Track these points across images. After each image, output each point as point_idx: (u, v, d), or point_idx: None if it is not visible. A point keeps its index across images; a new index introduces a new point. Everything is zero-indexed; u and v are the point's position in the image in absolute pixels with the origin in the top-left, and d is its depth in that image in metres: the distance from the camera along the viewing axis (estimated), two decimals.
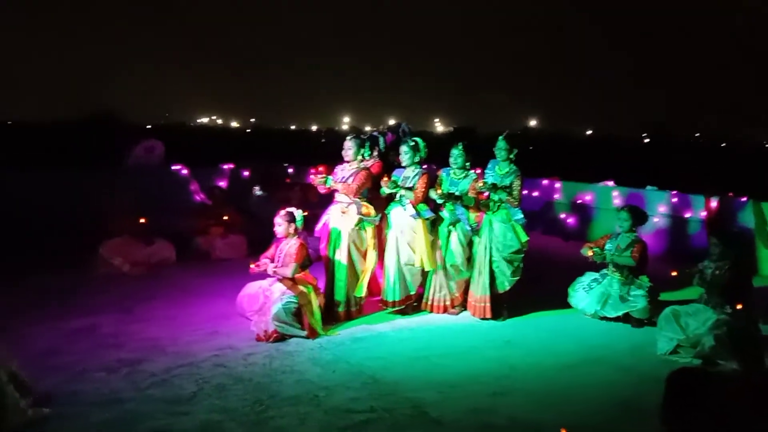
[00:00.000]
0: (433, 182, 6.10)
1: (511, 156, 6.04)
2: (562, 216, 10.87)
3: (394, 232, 6.08)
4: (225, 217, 8.47)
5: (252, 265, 5.64)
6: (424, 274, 6.19)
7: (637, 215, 6.21)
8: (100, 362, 4.73)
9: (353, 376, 4.64)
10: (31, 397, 3.85)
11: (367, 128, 6.57)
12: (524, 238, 5.96)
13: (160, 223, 7.95)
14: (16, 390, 3.70)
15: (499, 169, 6.05)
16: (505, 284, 6.00)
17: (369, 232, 6.02)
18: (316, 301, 5.57)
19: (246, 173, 11.58)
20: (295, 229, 5.69)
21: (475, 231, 6.04)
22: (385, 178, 5.99)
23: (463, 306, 6.22)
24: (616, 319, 6.01)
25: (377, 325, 5.87)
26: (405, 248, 6.04)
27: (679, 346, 5.15)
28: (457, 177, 6.12)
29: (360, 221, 5.91)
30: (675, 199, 9.38)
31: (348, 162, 6.12)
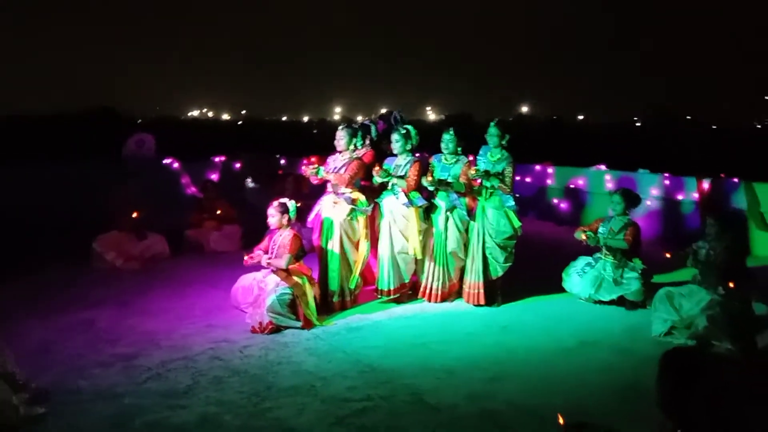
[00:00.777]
0: (425, 170, 6.08)
1: (503, 142, 6.03)
2: (555, 201, 10.88)
3: (387, 220, 6.07)
4: (218, 211, 8.45)
5: (246, 257, 5.63)
6: (418, 262, 6.19)
7: (630, 198, 6.22)
8: (96, 357, 4.72)
9: (350, 365, 4.64)
10: (26, 393, 3.83)
11: (359, 118, 6.51)
12: (517, 224, 5.96)
13: (153, 217, 7.92)
14: (10, 387, 3.68)
15: (491, 156, 6.03)
16: (498, 270, 6.00)
17: (361, 222, 6.01)
18: (311, 292, 5.56)
19: (238, 165, 11.54)
20: (289, 220, 5.67)
21: (470, 217, 6.04)
22: (377, 168, 5.97)
23: (459, 293, 6.22)
24: (611, 303, 6.04)
25: (373, 314, 5.87)
26: (398, 237, 6.04)
27: (674, 327, 5.17)
28: (448, 162, 6.11)
29: (351, 211, 5.90)
30: (667, 182, 9.40)
31: (340, 152, 6.09)
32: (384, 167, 5.98)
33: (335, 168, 6.01)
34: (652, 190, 9.42)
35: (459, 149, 6.11)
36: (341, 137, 6.07)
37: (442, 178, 6.02)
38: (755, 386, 2.54)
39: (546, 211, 10.88)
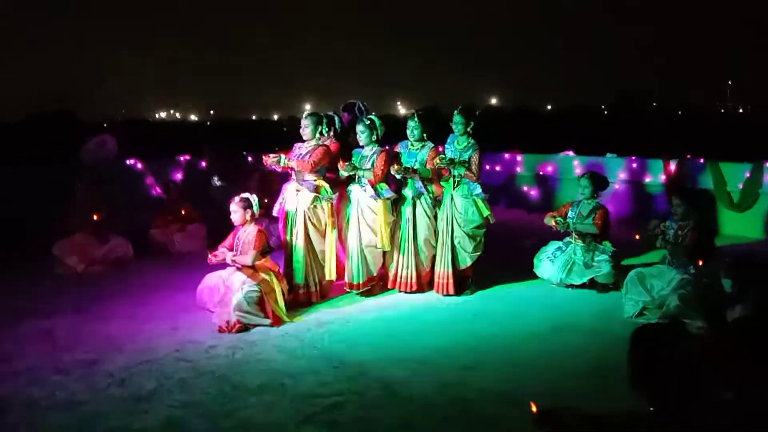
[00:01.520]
0: (392, 160, 5.99)
1: (469, 129, 5.95)
2: (525, 188, 10.89)
3: (356, 211, 5.96)
4: (182, 212, 8.25)
5: (210, 256, 5.48)
6: (386, 254, 6.09)
7: (598, 181, 6.21)
8: (55, 365, 4.52)
9: (320, 361, 4.53)
10: None
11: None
12: (486, 212, 5.89)
13: (115, 219, 7.70)
14: None
15: (458, 144, 5.96)
16: (466, 260, 5.93)
17: (326, 210, 5.88)
18: (279, 288, 5.43)
19: (203, 163, 11.33)
20: (252, 216, 5.53)
21: (437, 203, 5.97)
22: (342, 162, 5.86)
23: (430, 284, 6.13)
24: (582, 286, 6.02)
25: (343, 308, 5.77)
26: (366, 230, 5.94)
27: (645, 308, 5.18)
28: (414, 148, 6.02)
29: (315, 198, 5.77)
30: (635, 165, 9.46)
31: (306, 141, 5.97)
32: (350, 161, 5.87)
33: (299, 155, 5.88)
34: (619, 174, 9.47)
35: (425, 135, 6.02)
36: (306, 125, 5.94)
37: (409, 164, 5.92)
38: (725, 363, 2.50)
39: (516, 198, 10.88)
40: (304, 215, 5.78)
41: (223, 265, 5.53)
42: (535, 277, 6.29)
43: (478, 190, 5.87)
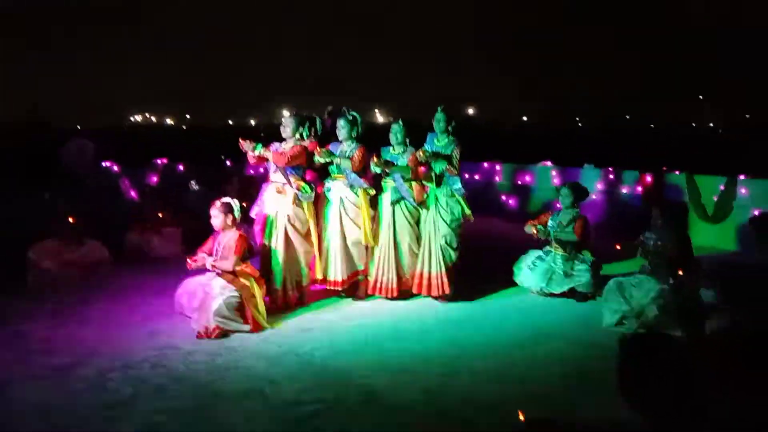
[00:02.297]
0: (371, 154, 5.99)
1: (450, 128, 5.98)
2: (504, 197, 10.96)
3: (337, 208, 5.92)
4: (159, 216, 8.14)
5: (189, 260, 5.39)
6: (368, 250, 6.06)
7: (578, 191, 6.27)
8: (29, 371, 4.41)
9: (301, 368, 4.49)
10: None
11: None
12: (467, 210, 5.92)
13: (91, 222, 7.55)
14: None
15: (438, 141, 5.98)
16: (452, 256, 5.93)
17: (307, 211, 5.84)
18: (259, 294, 5.37)
19: (180, 167, 11.21)
20: (233, 221, 5.47)
21: (420, 205, 5.96)
22: (319, 149, 5.82)
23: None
24: (562, 295, 6.05)
25: (325, 314, 5.73)
26: (350, 226, 5.91)
27: (624, 317, 5.21)
28: (395, 152, 6.02)
29: (295, 197, 5.73)
30: (612, 176, 9.58)
31: (285, 140, 5.93)
32: (327, 150, 5.84)
33: (276, 149, 5.83)
34: (597, 184, 9.58)
35: (407, 140, 6.03)
36: (287, 124, 5.91)
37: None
38: (715, 372, 2.52)
39: (495, 207, 10.94)
40: (287, 218, 5.74)
41: (202, 270, 5.46)
42: (514, 285, 6.31)
43: (458, 185, 5.89)
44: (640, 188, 9.14)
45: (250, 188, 8.35)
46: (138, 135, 33.02)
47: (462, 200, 5.92)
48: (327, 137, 6.42)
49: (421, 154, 5.77)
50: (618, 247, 5.47)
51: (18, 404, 3.92)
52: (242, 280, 5.31)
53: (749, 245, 7.87)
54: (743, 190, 8.13)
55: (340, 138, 6.01)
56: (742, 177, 8.24)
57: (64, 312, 5.70)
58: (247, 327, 5.17)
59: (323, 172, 6.13)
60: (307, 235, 5.87)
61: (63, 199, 7.45)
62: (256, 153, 5.75)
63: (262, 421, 3.72)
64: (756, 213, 7.85)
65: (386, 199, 6.01)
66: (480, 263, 6.78)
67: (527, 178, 10.74)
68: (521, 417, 2.55)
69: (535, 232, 6.13)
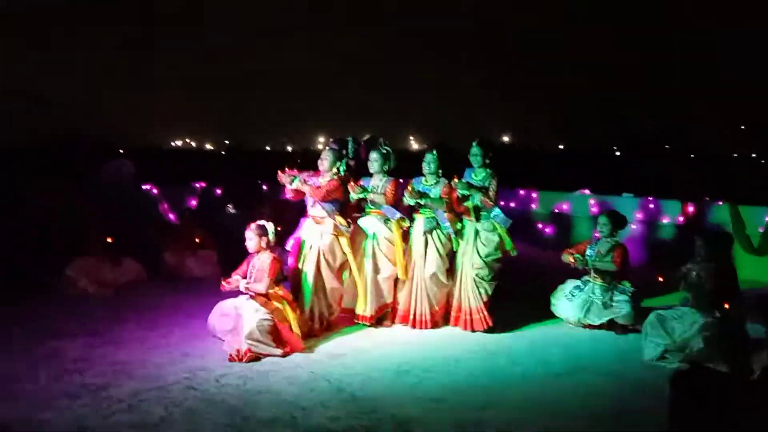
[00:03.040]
0: (402, 189, 5.97)
1: (487, 161, 5.93)
2: (540, 225, 10.80)
3: (371, 243, 5.91)
4: (196, 239, 8.23)
5: (223, 282, 5.41)
6: (398, 284, 6.01)
7: (617, 220, 6.13)
8: (63, 389, 4.44)
9: (332, 395, 4.43)
10: None
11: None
12: (509, 245, 5.85)
13: (129, 242, 7.68)
14: None
15: (476, 176, 5.93)
16: (488, 290, 5.84)
17: (343, 245, 5.83)
18: (293, 317, 5.35)
19: (218, 191, 11.34)
20: (268, 243, 5.48)
21: (456, 237, 5.90)
22: (353, 184, 5.82)
23: (447, 321, 6.03)
24: (600, 327, 5.89)
25: (356, 340, 5.67)
26: (383, 260, 5.88)
27: (666, 351, 5.04)
28: (428, 184, 5.99)
29: (334, 227, 5.72)
30: (651, 206, 9.37)
31: (322, 172, 5.95)
32: (360, 185, 5.83)
33: (314, 184, 5.84)
34: (636, 214, 9.38)
35: (440, 171, 5.99)
36: (326, 158, 5.92)
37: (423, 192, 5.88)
38: (756, 407, 2.39)
39: (531, 235, 10.78)
40: (320, 251, 5.72)
41: (236, 293, 5.46)
42: (551, 315, 6.17)
43: (496, 211, 5.83)
44: (681, 218, 8.91)
45: (284, 212, 8.39)
46: (178, 158, 33.70)
47: (503, 232, 5.84)
48: (362, 164, 6.42)
49: (455, 182, 5.74)
50: (660, 278, 5.30)
51: (51, 422, 3.93)
52: (275, 303, 5.30)
53: None
54: None
55: (371, 170, 6.01)
56: None
57: (99, 331, 5.75)
58: (278, 351, 5.14)
59: (359, 208, 6.13)
60: (339, 270, 5.84)
61: (101, 217, 7.60)
62: (294, 186, 5.78)
63: None
64: None
65: (418, 229, 5.96)
66: (516, 292, 6.66)
67: (564, 207, 10.58)
68: None
69: (572, 261, 6.00)
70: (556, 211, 10.67)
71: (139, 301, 6.81)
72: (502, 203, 6.15)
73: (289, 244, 5.98)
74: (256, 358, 5.07)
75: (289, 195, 5.97)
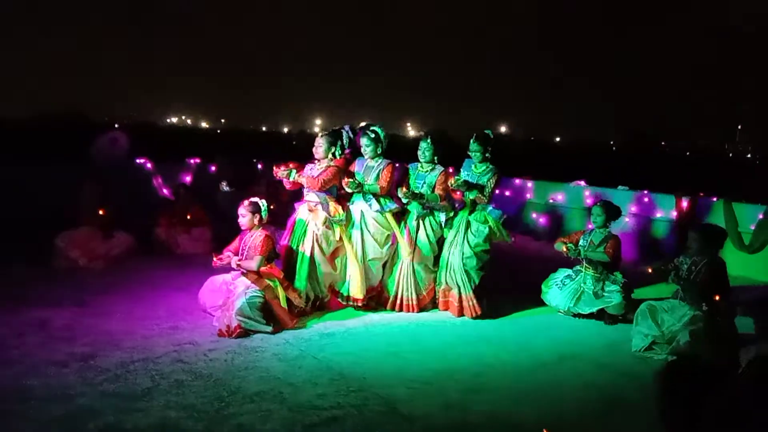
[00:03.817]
0: (401, 177, 5.94)
1: (487, 155, 5.92)
2: (534, 215, 10.81)
3: (359, 225, 5.86)
4: (188, 216, 8.19)
5: (215, 259, 5.39)
6: (386, 267, 6.00)
7: (611, 210, 6.12)
8: (51, 357, 4.43)
9: (320, 372, 4.43)
10: None
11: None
12: (505, 235, 5.87)
13: (122, 216, 7.63)
14: None
15: (476, 168, 5.92)
16: (476, 279, 5.84)
17: (337, 234, 5.80)
18: (283, 296, 5.34)
19: (213, 168, 11.29)
20: (260, 220, 5.46)
21: (447, 223, 5.90)
22: (346, 179, 5.78)
23: (435, 305, 6.04)
24: (590, 316, 5.91)
25: (346, 320, 5.67)
26: (371, 242, 5.85)
27: (654, 342, 5.06)
28: (424, 170, 5.97)
29: (326, 219, 5.70)
30: (646, 199, 9.38)
31: (318, 160, 5.90)
32: (354, 179, 5.78)
33: (311, 174, 5.80)
34: (631, 207, 9.39)
35: (436, 158, 5.97)
36: (320, 144, 5.87)
37: (418, 186, 5.89)
38: (742, 400, 2.40)
39: (525, 225, 10.79)
40: (314, 235, 5.70)
41: (227, 269, 5.45)
42: (542, 303, 6.18)
43: (490, 208, 5.83)
44: (675, 213, 8.93)
45: (278, 191, 8.35)
46: (173, 135, 33.55)
47: (498, 225, 5.83)
48: (358, 152, 6.38)
49: (453, 182, 5.72)
50: (650, 270, 5.31)
51: (38, 389, 3.92)
52: (266, 280, 5.29)
53: None
54: None
55: (365, 156, 5.98)
56: None
57: (88, 302, 5.73)
58: (268, 328, 5.14)
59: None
60: (332, 256, 5.81)
61: (93, 190, 7.54)
62: (291, 179, 5.74)
63: (278, 423, 3.66)
64: None
65: (413, 212, 5.94)
66: (507, 281, 6.67)
67: (559, 197, 10.58)
68: None
69: (565, 249, 6.00)
70: (551, 201, 10.66)
71: (129, 275, 6.79)
72: (497, 191, 6.11)
73: (285, 239, 5.95)
74: (246, 334, 5.06)
75: (287, 186, 5.93)
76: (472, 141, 5.92)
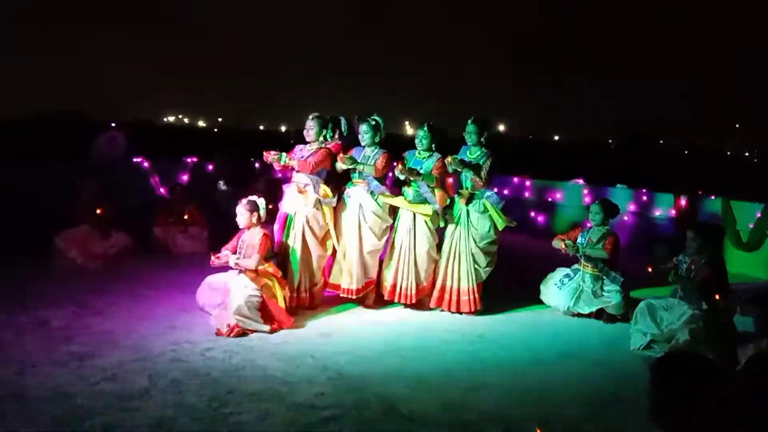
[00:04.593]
0: (394, 161, 5.92)
1: (483, 140, 5.89)
2: (533, 214, 10.80)
3: (356, 215, 5.83)
4: (185, 216, 8.17)
5: (212, 257, 5.38)
6: (382, 261, 5.98)
7: (609, 208, 6.11)
8: (49, 356, 4.41)
9: (318, 371, 4.42)
10: None
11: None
12: (501, 224, 5.81)
13: (119, 215, 7.61)
14: None
15: (470, 154, 5.89)
16: (482, 275, 5.83)
17: (327, 215, 5.79)
18: (281, 294, 5.33)
19: (210, 167, 11.27)
20: (258, 219, 5.44)
21: (446, 217, 5.88)
22: (341, 155, 5.76)
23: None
24: (589, 315, 5.90)
25: (345, 319, 5.66)
26: (368, 234, 5.82)
27: (653, 341, 5.06)
28: (421, 157, 5.94)
29: (317, 201, 5.68)
30: (645, 198, 9.39)
31: (309, 143, 5.89)
32: (350, 156, 5.76)
33: (301, 156, 5.79)
34: (629, 206, 9.39)
35: (433, 146, 5.94)
36: (311, 127, 5.86)
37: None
38: (741, 398, 2.39)
39: (523, 223, 10.78)
40: (305, 219, 5.69)
41: (225, 268, 5.43)
42: (540, 302, 6.17)
43: (489, 193, 5.81)
44: (674, 211, 8.93)
45: (276, 189, 8.34)
46: (170, 133, 33.50)
47: (496, 211, 5.81)
48: (356, 142, 6.38)
49: (449, 159, 5.69)
50: (649, 269, 5.30)
51: (36, 389, 3.91)
52: (264, 279, 5.27)
53: None
54: None
55: (363, 143, 5.96)
56: None
57: (86, 301, 5.71)
58: (266, 327, 5.13)
59: (343, 177, 6.06)
60: (323, 239, 5.81)
61: (91, 189, 7.52)
62: (281, 163, 5.72)
63: (275, 422, 3.65)
64: None
65: (408, 194, 5.90)
66: (506, 279, 6.65)
67: (557, 196, 10.58)
68: None
69: (563, 246, 5.97)
70: (549, 199, 10.66)
71: (127, 274, 6.77)
72: (495, 190, 6.08)
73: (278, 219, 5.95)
74: (244, 333, 5.05)
75: (277, 168, 5.93)
76: (469, 122, 5.89)
